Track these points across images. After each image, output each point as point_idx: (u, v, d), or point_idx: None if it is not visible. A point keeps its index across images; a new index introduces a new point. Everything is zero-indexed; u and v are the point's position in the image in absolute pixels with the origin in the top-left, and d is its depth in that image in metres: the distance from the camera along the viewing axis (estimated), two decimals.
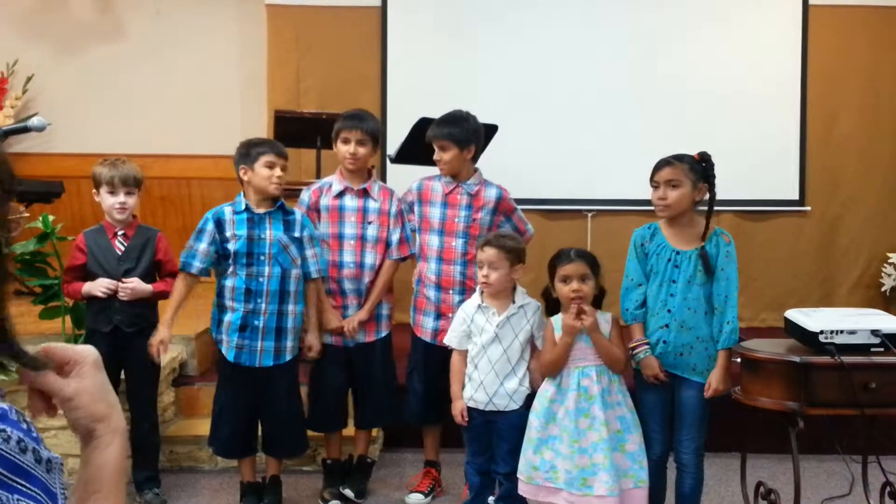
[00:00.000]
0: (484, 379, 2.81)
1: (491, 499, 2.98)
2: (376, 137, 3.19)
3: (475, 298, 2.89)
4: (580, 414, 2.62)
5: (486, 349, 2.82)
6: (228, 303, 2.98)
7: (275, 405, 3.02)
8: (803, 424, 2.50)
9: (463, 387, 2.88)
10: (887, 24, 5.17)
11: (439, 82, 5.05)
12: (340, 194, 3.17)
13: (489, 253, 2.78)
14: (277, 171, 2.95)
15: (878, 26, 5.17)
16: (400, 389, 3.29)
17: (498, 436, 2.84)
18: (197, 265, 2.98)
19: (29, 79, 5.58)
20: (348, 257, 3.15)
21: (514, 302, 2.82)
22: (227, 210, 3.01)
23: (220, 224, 2.99)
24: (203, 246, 2.98)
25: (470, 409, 2.86)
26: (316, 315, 3.08)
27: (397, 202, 3.20)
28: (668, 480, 2.83)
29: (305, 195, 3.22)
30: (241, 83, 5.60)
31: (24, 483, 0.73)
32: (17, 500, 0.72)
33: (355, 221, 3.16)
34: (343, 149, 3.13)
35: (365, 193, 3.17)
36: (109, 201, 3.05)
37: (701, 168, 2.69)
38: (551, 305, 2.79)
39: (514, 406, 2.80)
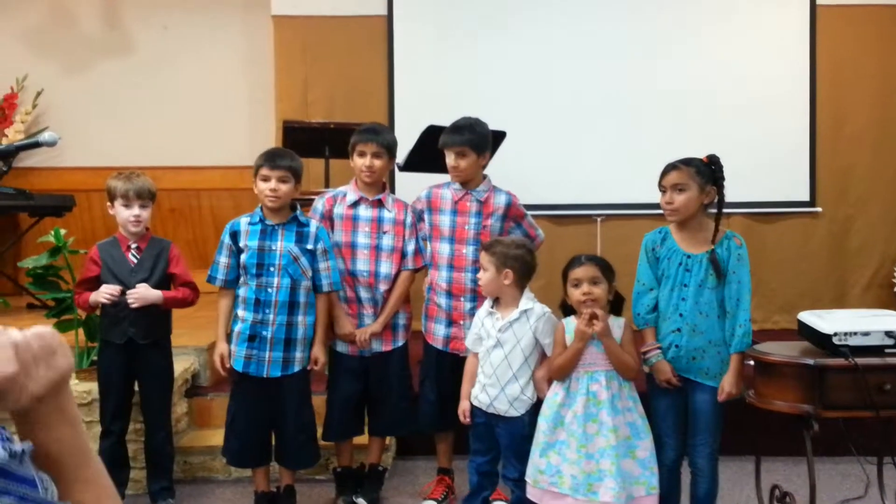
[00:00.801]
0: (487, 382, 2.85)
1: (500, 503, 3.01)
2: (392, 150, 3.21)
3: (487, 303, 2.93)
4: (588, 419, 2.62)
5: (490, 353, 2.84)
6: (240, 313, 3.01)
7: (285, 416, 3.03)
8: (818, 427, 2.49)
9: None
10: (895, 23, 5.15)
11: (446, 90, 5.06)
12: (355, 204, 3.19)
13: (481, 256, 2.91)
14: (271, 184, 2.96)
15: (886, 25, 5.15)
16: (415, 398, 3.29)
17: (501, 441, 2.87)
18: (220, 278, 3.04)
19: (39, 94, 5.63)
20: (362, 266, 3.16)
21: (517, 307, 2.84)
22: (244, 221, 3.04)
23: (235, 236, 3.03)
24: (223, 259, 3.03)
25: (474, 407, 2.90)
26: (324, 330, 3.09)
27: (412, 213, 3.22)
28: (682, 485, 2.82)
29: (319, 203, 3.24)
30: (249, 94, 5.64)
31: (6, 482, 0.74)
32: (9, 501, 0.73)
33: (369, 231, 3.18)
34: (359, 162, 3.16)
35: (379, 204, 3.20)
36: (124, 214, 3.08)
37: (709, 171, 2.69)
38: (568, 314, 2.79)
39: (516, 413, 2.82)
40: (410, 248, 3.20)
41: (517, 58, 5.19)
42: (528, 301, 2.86)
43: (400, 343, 3.23)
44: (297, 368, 3.02)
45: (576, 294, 2.68)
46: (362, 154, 3.16)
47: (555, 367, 2.73)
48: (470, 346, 2.96)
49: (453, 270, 3.17)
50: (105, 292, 3.03)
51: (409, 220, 3.21)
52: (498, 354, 2.83)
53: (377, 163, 3.15)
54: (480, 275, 2.89)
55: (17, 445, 0.76)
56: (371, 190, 3.20)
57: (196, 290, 3.18)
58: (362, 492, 3.22)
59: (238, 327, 3.00)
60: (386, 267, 3.17)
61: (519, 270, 2.85)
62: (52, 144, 2.73)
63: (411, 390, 3.28)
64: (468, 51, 5.20)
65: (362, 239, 3.17)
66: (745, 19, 5.16)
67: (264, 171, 2.98)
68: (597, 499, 2.56)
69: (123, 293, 3.03)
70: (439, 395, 3.17)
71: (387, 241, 3.18)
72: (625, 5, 5.20)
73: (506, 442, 2.85)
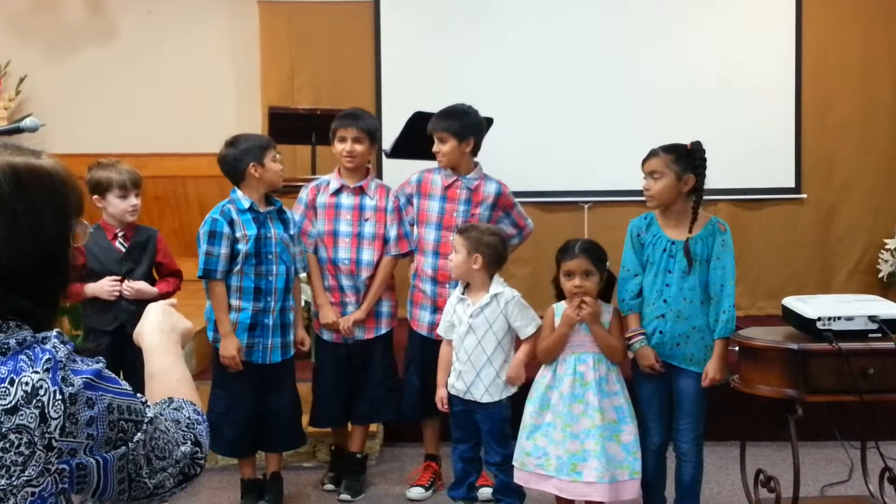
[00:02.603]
0: (462, 368, 2.86)
1: (489, 490, 3.01)
2: (373, 134, 3.20)
3: (458, 289, 2.93)
4: (574, 399, 2.64)
5: (463, 340, 2.85)
6: (234, 303, 2.96)
7: (279, 399, 3.05)
8: (802, 412, 2.51)
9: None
10: (880, 11, 5.16)
11: (433, 75, 5.04)
12: (337, 192, 3.18)
13: (454, 238, 2.91)
14: (347, 145, 3.09)
15: (871, 13, 5.16)
16: (396, 386, 3.29)
17: (482, 427, 2.88)
18: (221, 271, 2.94)
19: (22, 80, 5.56)
20: (343, 254, 3.15)
21: (488, 293, 2.84)
22: (232, 209, 2.97)
23: (231, 225, 2.95)
24: (224, 251, 2.93)
25: (452, 396, 2.91)
26: (299, 312, 3.15)
27: (394, 199, 3.21)
28: (667, 470, 2.84)
29: (304, 193, 3.24)
30: (235, 80, 5.59)
31: (108, 383, 1.08)
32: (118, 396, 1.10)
33: (351, 219, 3.17)
34: (340, 147, 3.15)
35: (361, 191, 3.18)
36: (122, 206, 3.02)
37: (688, 159, 2.68)
38: (562, 294, 2.80)
39: (492, 398, 2.83)
40: (393, 233, 3.19)
41: (505, 44, 5.16)
42: (498, 286, 2.86)
43: (383, 331, 3.23)
44: (292, 352, 3.07)
45: (567, 285, 2.70)
46: (343, 139, 3.15)
47: (541, 348, 2.76)
48: (443, 334, 2.96)
49: (439, 257, 3.16)
50: (109, 288, 2.99)
51: (390, 205, 3.19)
52: (471, 340, 2.84)
53: (358, 148, 3.14)
54: (451, 256, 2.88)
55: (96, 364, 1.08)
56: (353, 176, 3.19)
57: (181, 279, 3.17)
58: (344, 482, 3.23)
59: (234, 317, 2.96)
60: (368, 254, 3.16)
61: (489, 257, 2.84)
62: (33, 130, 2.70)
63: (392, 379, 3.28)
64: (455, 37, 5.17)
65: (344, 227, 3.16)
66: (732, 6, 5.16)
67: (275, 153, 3.00)
68: (581, 479, 2.58)
69: (120, 283, 3.00)
70: (423, 381, 3.17)
71: (368, 229, 3.17)
72: None
73: (486, 427, 2.86)
